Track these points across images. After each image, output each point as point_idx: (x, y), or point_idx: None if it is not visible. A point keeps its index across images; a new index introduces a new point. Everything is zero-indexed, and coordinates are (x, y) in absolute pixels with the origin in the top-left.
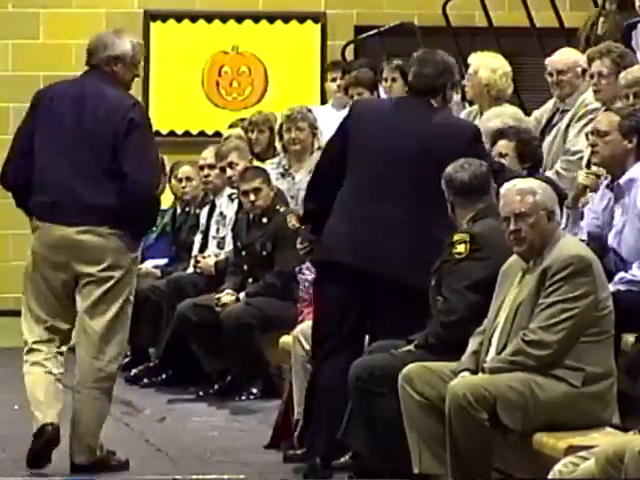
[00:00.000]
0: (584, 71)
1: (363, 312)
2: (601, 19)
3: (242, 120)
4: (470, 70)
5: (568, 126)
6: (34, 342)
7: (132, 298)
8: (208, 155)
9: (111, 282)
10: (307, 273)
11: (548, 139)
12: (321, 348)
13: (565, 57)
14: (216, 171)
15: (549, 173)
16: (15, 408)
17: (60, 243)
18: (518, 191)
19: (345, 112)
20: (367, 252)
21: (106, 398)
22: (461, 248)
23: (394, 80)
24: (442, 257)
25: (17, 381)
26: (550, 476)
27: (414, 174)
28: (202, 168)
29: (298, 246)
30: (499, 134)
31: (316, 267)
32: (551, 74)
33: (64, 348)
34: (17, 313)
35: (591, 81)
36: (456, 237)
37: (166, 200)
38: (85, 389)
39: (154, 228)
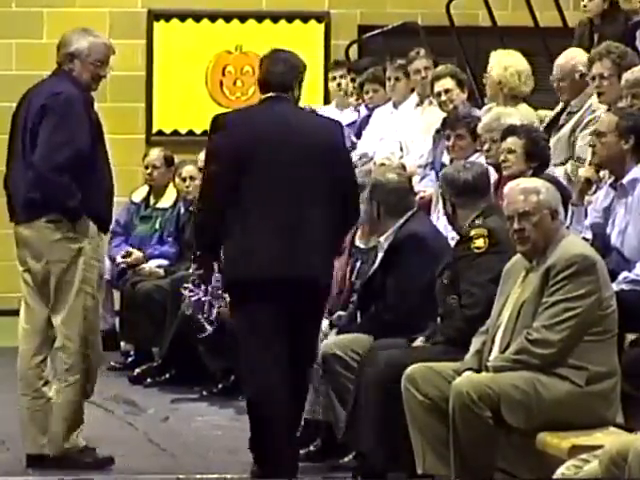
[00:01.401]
0: (582, 75)
1: (289, 322)
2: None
3: None
4: (488, 68)
5: (575, 129)
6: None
7: (89, 288)
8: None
9: (55, 277)
10: (196, 291)
11: (553, 139)
12: (260, 374)
13: (562, 63)
14: None
15: (558, 173)
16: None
17: (18, 239)
18: (522, 190)
19: (350, 112)
20: (293, 261)
21: (71, 391)
22: (480, 243)
23: (397, 79)
24: (453, 254)
25: None
26: (553, 478)
27: (303, 174)
28: (201, 170)
29: (194, 271)
30: (510, 131)
31: (242, 287)
32: (554, 80)
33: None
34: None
35: (593, 83)
36: (473, 232)
37: (169, 198)
38: (54, 382)
39: (156, 227)
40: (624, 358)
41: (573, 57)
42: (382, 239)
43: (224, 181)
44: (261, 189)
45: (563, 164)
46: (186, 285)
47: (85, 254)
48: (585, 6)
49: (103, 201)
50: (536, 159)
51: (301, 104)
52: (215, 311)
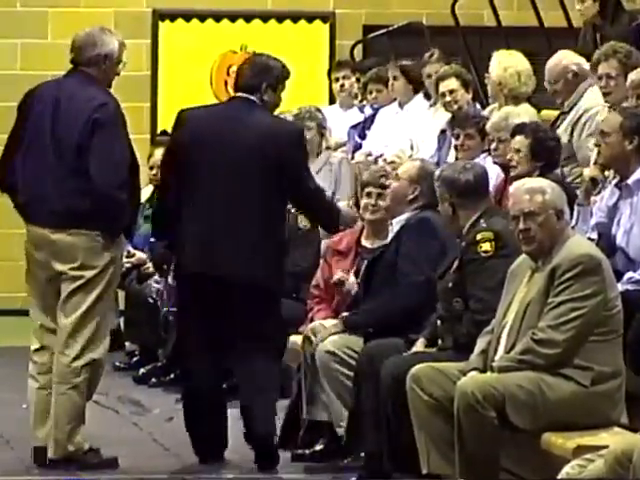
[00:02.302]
0: (575, 74)
1: (221, 319)
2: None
3: None
4: (489, 69)
5: (572, 131)
6: (33, 350)
7: (109, 296)
8: None
9: (82, 280)
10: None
11: None
12: (190, 361)
13: (552, 66)
14: None
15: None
16: (24, 407)
17: (40, 242)
18: (527, 190)
19: (354, 112)
20: (213, 259)
21: (75, 394)
22: (487, 246)
23: (395, 79)
24: (459, 257)
25: (25, 380)
26: (558, 478)
27: (242, 175)
28: None
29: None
30: (518, 130)
31: (177, 277)
32: (549, 83)
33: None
34: (25, 312)
35: (599, 83)
36: (479, 236)
37: None
38: (55, 384)
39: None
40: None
41: (563, 58)
42: (394, 222)
43: (170, 175)
44: (198, 186)
45: (563, 166)
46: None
47: (116, 262)
48: (580, 9)
49: (136, 212)
50: (541, 159)
51: (306, 105)
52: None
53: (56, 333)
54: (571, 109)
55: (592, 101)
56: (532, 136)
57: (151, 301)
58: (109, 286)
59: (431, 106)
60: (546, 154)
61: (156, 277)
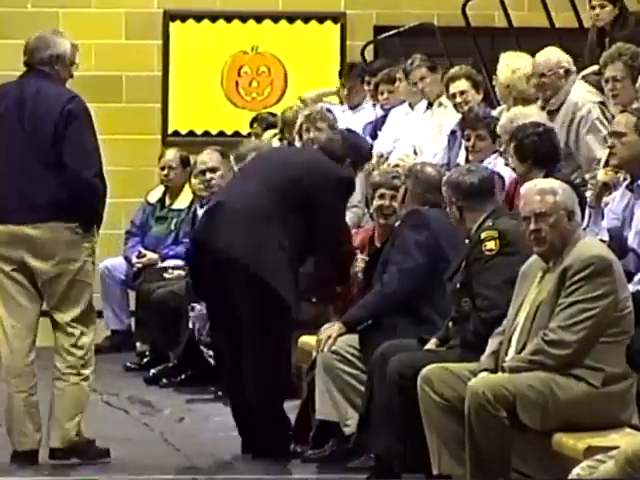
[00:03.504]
0: (567, 71)
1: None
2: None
3: (271, 115)
4: (497, 71)
5: (569, 130)
6: (4, 356)
7: (92, 284)
8: (208, 159)
9: (70, 276)
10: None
11: None
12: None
13: (547, 59)
14: (219, 173)
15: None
16: None
17: (13, 240)
18: (539, 191)
19: (365, 111)
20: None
21: (85, 384)
22: (491, 245)
23: (400, 80)
24: (465, 256)
25: None
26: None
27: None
28: (203, 173)
29: None
30: (511, 134)
31: None
32: (533, 76)
33: (34, 346)
34: None
35: (607, 85)
36: (484, 235)
37: (185, 199)
38: (64, 376)
39: (172, 228)
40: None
41: (556, 53)
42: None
43: None
44: None
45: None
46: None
47: (94, 252)
48: (598, 14)
49: (105, 202)
50: (527, 158)
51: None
52: None
53: (25, 330)
54: (559, 108)
55: (580, 98)
56: (514, 139)
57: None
58: (92, 276)
59: (427, 109)
60: (530, 152)
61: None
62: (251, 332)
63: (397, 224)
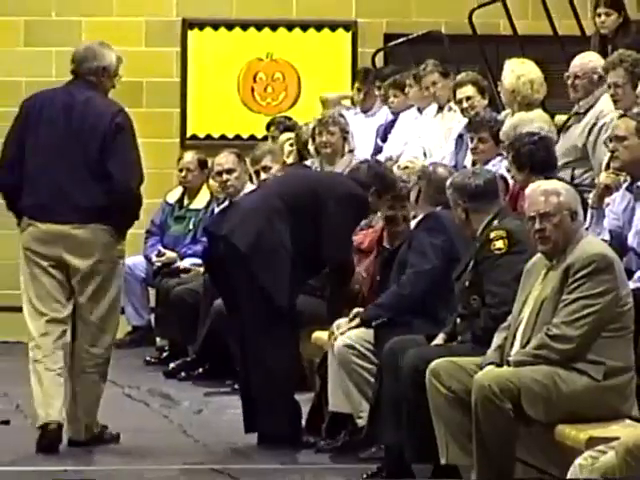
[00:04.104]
0: (600, 77)
1: None
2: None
3: (287, 119)
4: (502, 77)
5: (589, 134)
6: (37, 336)
7: (122, 286)
8: (224, 161)
9: (102, 275)
10: None
11: (562, 139)
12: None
13: (584, 62)
14: (235, 174)
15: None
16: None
17: (53, 238)
18: (543, 192)
19: (378, 115)
20: None
21: (102, 381)
22: (500, 244)
23: (410, 86)
24: (474, 257)
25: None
26: (571, 469)
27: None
28: (220, 174)
29: None
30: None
31: None
32: (569, 76)
33: (67, 338)
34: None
35: (609, 91)
36: (492, 234)
37: (203, 200)
38: (84, 374)
39: (190, 227)
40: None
41: (594, 58)
42: (413, 222)
43: None
44: None
45: (569, 166)
46: None
47: (123, 256)
48: (604, 22)
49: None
50: (525, 166)
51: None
52: None
53: (62, 323)
54: (587, 111)
55: (608, 106)
56: (512, 149)
57: None
58: (121, 277)
59: (438, 112)
60: (526, 160)
61: None
62: (252, 328)
63: (413, 227)
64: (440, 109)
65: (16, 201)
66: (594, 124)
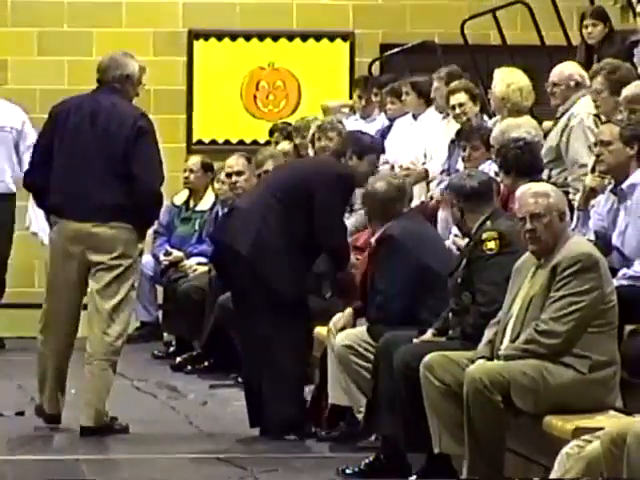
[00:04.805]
0: (577, 84)
1: None
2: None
3: (287, 124)
4: (492, 85)
5: (562, 134)
6: (44, 330)
7: (136, 284)
8: (234, 163)
9: (121, 269)
10: None
11: (545, 146)
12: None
13: (561, 71)
14: (244, 176)
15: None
16: (72, 392)
17: (76, 235)
18: (533, 194)
19: (377, 120)
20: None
21: (112, 369)
22: (492, 245)
23: (407, 94)
24: (467, 256)
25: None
26: (558, 458)
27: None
28: (230, 176)
29: None
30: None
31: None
32: (549, 85)
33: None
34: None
35: (594, 97)
36: (485, 235)
37: (208, 201)
38: (96, 361)
39: (196, 227)
40: (623, 347)
41: (571, 67)
42: (372, 240)
43: None
44: None
45: (547, 166)
46: None
47: (142, 254)
48: (590, 33)
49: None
50: (511, 171)
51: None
52: None
53: (67, 317)
54: (563, 115)
55: (578, 108)
56: (499, 155)
57: None
58: (137, 274)
59: (444, 118)
60: (512, 164)
61: None
62: (263, 328)
63: (371, 248)
64: (447, 115)
65: (44, 199)
66: (566, 125)
